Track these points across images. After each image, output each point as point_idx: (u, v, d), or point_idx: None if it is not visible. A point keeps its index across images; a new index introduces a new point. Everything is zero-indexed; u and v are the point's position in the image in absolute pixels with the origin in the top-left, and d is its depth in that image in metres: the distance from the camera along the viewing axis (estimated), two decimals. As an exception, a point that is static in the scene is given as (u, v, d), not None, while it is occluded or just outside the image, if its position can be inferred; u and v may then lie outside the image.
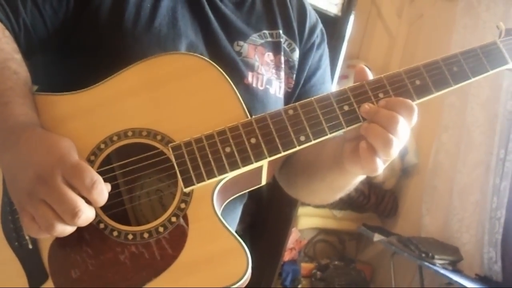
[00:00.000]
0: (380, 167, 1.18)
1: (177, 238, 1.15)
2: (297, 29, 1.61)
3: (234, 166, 1.17)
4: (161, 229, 1.16)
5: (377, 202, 4.81)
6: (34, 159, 1.07)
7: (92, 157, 1.20)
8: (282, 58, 1.55)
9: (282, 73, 1.55)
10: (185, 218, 1.17)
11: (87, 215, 1.04)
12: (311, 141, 1.19)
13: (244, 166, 1.18)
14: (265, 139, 1.19)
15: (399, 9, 5.37)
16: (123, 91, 1.24)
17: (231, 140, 1.18)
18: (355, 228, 4.87)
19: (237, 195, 1.33)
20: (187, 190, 1.17)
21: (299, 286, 4.66)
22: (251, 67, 1.48)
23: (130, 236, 1.16)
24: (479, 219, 4.24)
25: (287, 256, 4.56)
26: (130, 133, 1.21)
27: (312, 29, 1.65)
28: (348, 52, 4.13)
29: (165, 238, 1.15)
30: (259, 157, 1.18)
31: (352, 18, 4.01)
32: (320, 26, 1.69)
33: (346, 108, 1.21)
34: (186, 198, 1.18)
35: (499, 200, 4.06)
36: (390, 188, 4.91)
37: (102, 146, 1.21)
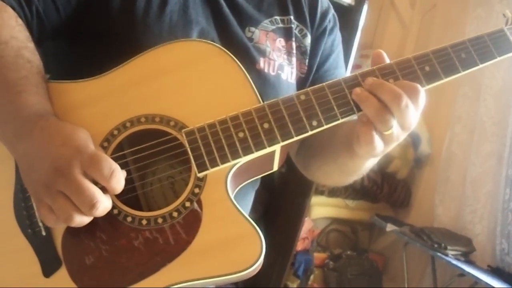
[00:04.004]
0: (376, 142, 1.18)
1: (191, 222, 1.17)
2: (309, 15, 1.62)
3: (247, 150, 1.19)
4: (175, 214, 1.18)
5: (390, 192, 4.80)
6: (51, 150, 1.08)
7: (105, 144, 1.21)
8: (294, 44, 1.56)
9: (294, 59, 1.56)
10: (199, 202, 1.18)
11: (105, 205, 1.07)
12: (323, 126, 1.21)
13: (257, 150, 1.19)
14: (278, 124, 1.20)
15: None
16: (135, 78, 1.26)
17: (244, 125, 1.20)
18: (368, 218, 4.87)
19: (249, 180, 1.35)
20: (201, 175, 1.19)
21: (312, 275, 4.66)
22: (263, 53, 1.49)
23: (144, 222, 1.17)
24: (491, 210, 4.23)
25: (299, 245, 4.56)
26: (143, 119, 1.23)
27: (324, 14, 1.66)
28: (361, 42, 4.13)
29: (179, 223, 1.17)
30: (272, 141, 1.20)
31: (365, 8, 4.00)
32: (332, 11, 1.70)
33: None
34: (200, 183, 1.19)
35: (511, 192, 4.05)
36: (403, 178, 4.90)
37: (115, 132, 1.22)
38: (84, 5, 1.36)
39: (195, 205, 1.18)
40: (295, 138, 1.21)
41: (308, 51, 1.60)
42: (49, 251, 1.18)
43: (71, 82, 1.27)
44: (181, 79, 1.26)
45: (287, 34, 1.56)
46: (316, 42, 1.62)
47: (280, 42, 1.54)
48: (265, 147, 1.20)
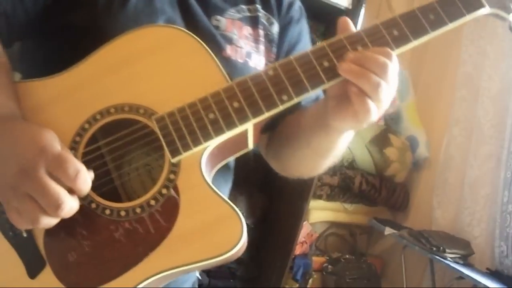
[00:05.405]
0: (374, 111, 1.18)
1: (169, 209, 1.17)
2: (275, 4, 1.63)
3: (219, 131, 1.19)
4: (152, 202, 1.18)
5: (388, 195, 4.80)
6: (16, 152, 1.08)
7: (77, 138, 1.21)
8: (261, 32, 1.57)
9: (262, 47, 1.57)
10: (176, 188, 1.18)
11: (70, 206, 1.06)
12: (293, 99, 1.20)
13: (229, 130, 1.19)
14: (248, 102, 1.20)
15: (409, 2, 5.35)
16: (101, 69, 1.25)
17: (214, 106, 1.19)
18: (366, 222, 4.86)
19: (226, 161, 1.36)
20: (174, 160, 1.19)
21: (310, 279, 4.66)
22: (230, 40, 1.50)
23: (123, 213, 1.18)
24: (490, 213, 4.22)
25: (298, 249, 4.55)
26: (112, 110, 1.23)
27: (290, 4, 1.68)
28: (358, 45, 4.12)
29: (158, 211, 1.17)
30: (243, 120, 1.19)
31: (362, 11, 4.00)
32: (298, 3, 1.72)
33: (326, 64, 1.21)
34: (175, 168, 1.19)
35: (510, 194, 4.03)
36: (401, 181, 4.89)
37: (86, 126, 1.22)
38: (50, 3, 1.36)
39: (172, 192, 1.18)
40: (266, 114, 1.20)
41: (276, 39, 1.61)
42: (32, 252, 1.18)
43: (37, 80, 1.26)
44: (147, 66, 1.25)
45: (253, 22, 1.57)
46: (283, 30, 1.64)
47: (247, 30, 1.55)
48: (236, 126, 1.19)
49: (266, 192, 4.63)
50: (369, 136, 4.67)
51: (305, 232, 4.64)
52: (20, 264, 1.18)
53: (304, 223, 4.46)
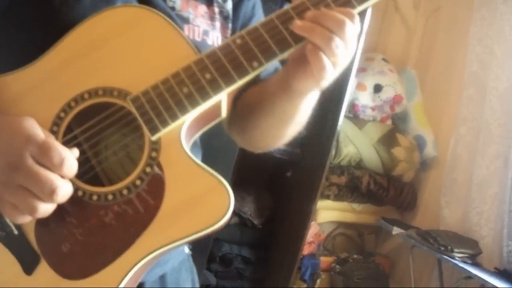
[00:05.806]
0: (329, 66, 1.18)
1: (155, 187, 1.17)
2: None
3: (195, 104, 1.19)
4: (138, 182, 1.18)
5: (396, 195, 4.79)
6: (1, 147, 1.08)
7: (55, 128, 1.20)
8: (216, 9, 1.57)
9: (218, 23, 1.57)
10: (159, 165, 1.18)
11: (65, 189, 1.07)
12: (264, 64, 1.20)
13: (204, 101, 1.19)
14: (220, 72, 1.20)
15: (416, 1, 5.35)
16: (70, 56, 1.24)
17: (187, 80, 1.19)
18: (374, 222, 4.87)
19: (201, 131, 1.36)
20: (154, 138, 1.18)
21: (318, 280, 4.66)
22: (186, 20, 1.49)
23: (110, 197, 1.17)
24: (498, 212, 4.22)
25: (306, 250, 4.56)
26: (86, 96, 1.21)
27: None
28: (365, 45, 4.13)
29: (145, 190, 1.17)
30: (217, 90, 1.19)
31: (369, 11, 4.00)
32: None
33: (291, 27, 1.20)
34: (156, 146, 1.19)
35: (518, 194, 4.04)
36: (409, 181, 4.89)
37: (62, 114, 1.21)
38: (8, 1, 1.34)
39: (156, 169, 1.18)
40: (239, 82, 1.20)
41: (231, 16, 1.61)
42: (25, 248, 1.18)
43: (6, 74, 1.25)
44: (115, 48, 1.24)
45: (208, 0, 1.57)
46: (237, 6, 1.64)
47: (202, 8, 1.55)
48: (211, 97, 1.19)
49: (274, 193, 4.63)
50: (376, 136, 4.68)
51: (313, 232, 4.65)
52: (15, 262, 1.18)
53: (312, 223, 4.46)
